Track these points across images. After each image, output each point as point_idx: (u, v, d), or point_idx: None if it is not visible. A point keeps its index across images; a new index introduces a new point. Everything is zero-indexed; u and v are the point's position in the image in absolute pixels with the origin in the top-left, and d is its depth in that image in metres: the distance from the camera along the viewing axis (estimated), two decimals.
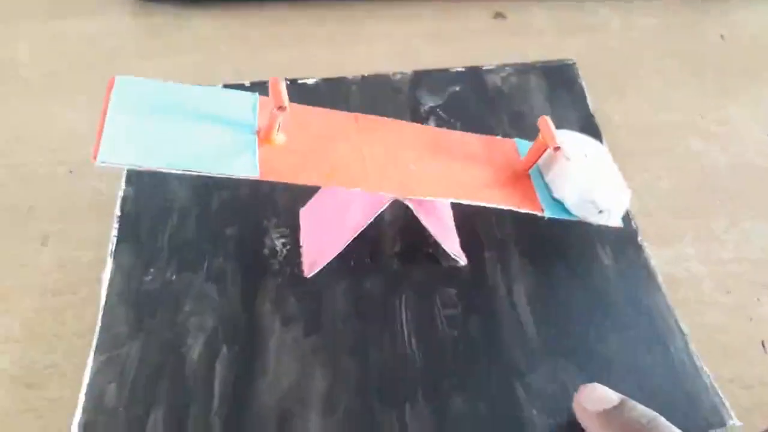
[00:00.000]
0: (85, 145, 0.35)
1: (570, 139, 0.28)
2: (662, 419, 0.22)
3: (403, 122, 0.29)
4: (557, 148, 0.26)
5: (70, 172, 0.34)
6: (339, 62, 0.39)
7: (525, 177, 0.28)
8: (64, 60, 0.40)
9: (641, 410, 0.22)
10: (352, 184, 0.25)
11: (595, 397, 0.23)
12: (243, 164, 0.23)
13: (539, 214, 0.27)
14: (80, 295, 0.29)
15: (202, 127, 0.24)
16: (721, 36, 0.41)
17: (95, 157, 0.22)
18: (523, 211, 0.27)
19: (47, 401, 0.26)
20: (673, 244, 0.32)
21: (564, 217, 0.28)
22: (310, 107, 0.27)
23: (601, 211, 0.27)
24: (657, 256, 0.30)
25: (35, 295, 0.30)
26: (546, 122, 0.27)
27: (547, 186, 0.28)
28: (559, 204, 0.28)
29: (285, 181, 0.24)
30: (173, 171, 0.22)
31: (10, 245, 0.31)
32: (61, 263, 0.31)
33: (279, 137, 0.25)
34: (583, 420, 0.24)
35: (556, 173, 0.28)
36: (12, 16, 0.43)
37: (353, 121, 0.28)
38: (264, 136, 0.24)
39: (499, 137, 0.30)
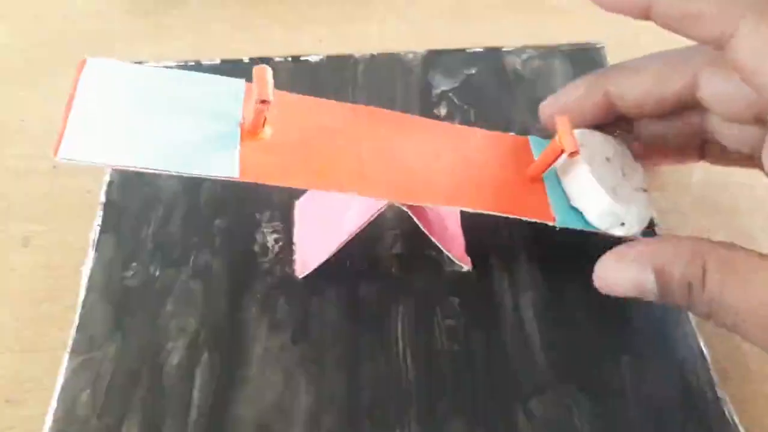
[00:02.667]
0: None
1: (590, 141, 0.26)
2: None
3: (406, 115, 0.26)
4: (574, 153, 0.23)
5: (54, 167, 0.31)
6: (348, 43, 0.36)
7: (537, 182, 0.26)
8: (47, 42, 0.37)
9: None
10: (344, 188, 0.22)
11: None
12: (221, 163, 0.21)
13: (550, 224, 0.25)
14: (64, 304, 0.26)
15: (180, 119, 0.21)
16: None
17: (56, 152, 0.19)
18: (532, 221, 0.24)
19: (27, 419, 0.24)
20: None
21: (579, 227, 0.25)
22: (304, 96, 0.24)
23: (623, 223, 0.25)
24: None
25: (14, 302, 0.27)
26: (564, 122, 0.24)
27: (564, 192, 0.26)
28: (576, 213, 0.25)
29: (268, 183, 0.21)
30: (144, 171, 0.20)
31: None
32: (42, 268, 0.28)
33: (265, 131, 0.22)
34: None
35: (575, 181, 0.25)
36: None
37: (351, 113, 0.25)
38: (248, 131, 0.22)
39: (511, 134, 0.28)
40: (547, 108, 0.27)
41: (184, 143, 0.21)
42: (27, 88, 0.35)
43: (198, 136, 0.21)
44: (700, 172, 0.32)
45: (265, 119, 0.22)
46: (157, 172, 0.20)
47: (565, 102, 0.26)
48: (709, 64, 0.23)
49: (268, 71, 0.21)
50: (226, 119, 0.22)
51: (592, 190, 0.24)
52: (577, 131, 0.25)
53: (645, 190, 0.26)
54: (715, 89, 0.23)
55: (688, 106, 0.24)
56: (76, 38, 0.38)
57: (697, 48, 0.24)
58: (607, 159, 0.26)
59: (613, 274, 0.23)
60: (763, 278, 0.20)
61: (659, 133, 0.27)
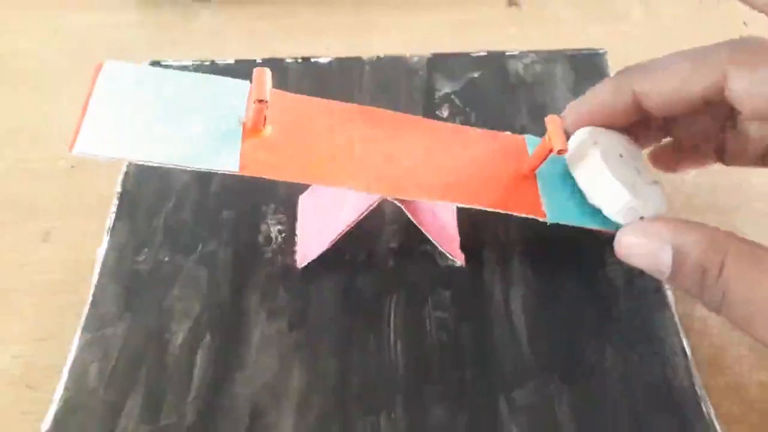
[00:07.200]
0: None
1: (602, 138, 0.26)
2: None
3: (401, 114, 0.27)
4: (562, 151, 0.24)
5: (72, 167, 0.34)
6: (353, 53, 0.37)
7: (530, 179, 0.26)
8: (67, 53, 0.39)
9: None
10: (338, 182, 0.24)
11: None
12: (224, 158, 0.23)
13: (541, 219, 0.25)
14: (81, 295, 0.28)
15: (188, 117, 0.23)
16: (744, 23, 0.39)
17: (72, 146, 0.21)
18: (522, 216, 0.25)
19: (46, 402, 0.25)
20: None
21: (570, 223, 0.26)
22: (303, 96, 0.26)
23: (642, 217, 0.25)
24: None
25: (35, 293, 0.29)
26: (555, 121, 0.25)
27: (566, 188, 0.26)
28: (567, 209, 0.26)
29: (266, 176, 0.23)
30: (153, 164, 0.22)
31: (9, 242, 0.31)
32: (61, 261, 0.30)
33: (265, 129, 0.24)
34: None
35: (592, 179, 0.25)
36: (14, 6, 0.42)
37: (347, 112, 0.26)
38: (249, 129, 0.23)
39: (507, 133, 0.29)
40: (571, 111, 0.27)
41: (191, 140, 0.23)
42: (49, 94, 0.37)
43: (204, 133, 0.23)
44: (691, 171, 0.32)
45: (266, 118, 0.23)
46: (164, 166, 0.22)
47: (592, 104, 0.26)
48: (734, 60, 0.22)
49: (267, 73, 0.22)
50: (230, 118, 0.24)
51: (613, 188, 0.24)
52: (587, 129, 0.26)
53: (657, 183, 0.26)
54: (743, 86, 0.22)
55: (714, 104, 0.24)
56: (95, 48, 0.40)
57: (721, 46, 0.23)
58: (620, 155, 0.26)
59: (634, 242, 0.23)
60: None
61: (682, 133, 0.27)
